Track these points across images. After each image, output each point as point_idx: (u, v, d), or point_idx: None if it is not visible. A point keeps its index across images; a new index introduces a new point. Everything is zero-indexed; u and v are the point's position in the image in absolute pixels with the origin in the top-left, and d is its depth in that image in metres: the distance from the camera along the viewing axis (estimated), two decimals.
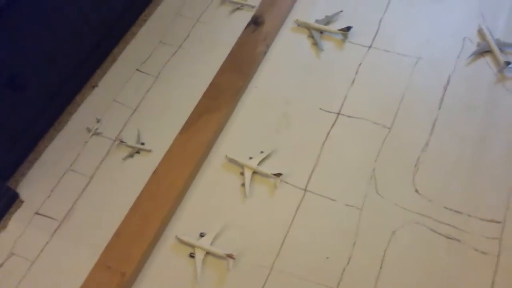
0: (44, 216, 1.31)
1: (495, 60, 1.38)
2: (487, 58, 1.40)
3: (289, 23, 1.62)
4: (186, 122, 1.38)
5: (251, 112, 1.43)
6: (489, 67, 1.38)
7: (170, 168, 1.30)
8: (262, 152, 1.32)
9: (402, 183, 1.22)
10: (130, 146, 1.39)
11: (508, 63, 1.35)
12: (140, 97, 1.52)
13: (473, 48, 1.42)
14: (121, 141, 1.40)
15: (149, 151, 1.38)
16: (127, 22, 1.70)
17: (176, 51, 1.62)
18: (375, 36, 1.53)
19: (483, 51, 1.41)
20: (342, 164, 1.29)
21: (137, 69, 1.59)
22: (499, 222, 1.12)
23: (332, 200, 1.23)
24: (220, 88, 1.44)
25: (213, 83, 1.46)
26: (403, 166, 1.25)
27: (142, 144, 1.39)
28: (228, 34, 1.61)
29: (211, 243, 1.19)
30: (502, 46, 1.39)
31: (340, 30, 1.54)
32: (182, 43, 1.64)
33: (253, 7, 1.68)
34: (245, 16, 1.65)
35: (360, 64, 1.48)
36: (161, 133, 1.40)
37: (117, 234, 1.22)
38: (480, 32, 1.45)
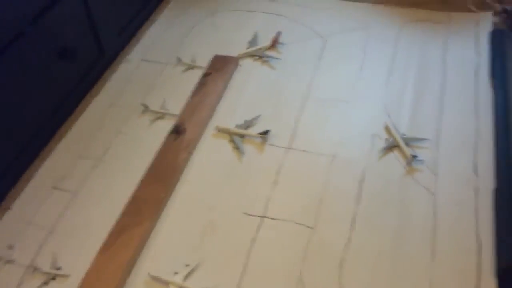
0: None
1: (403, 154, 1.52)
2: (396, 153, 1.53)
3: (210, 129, 1.71)
4: (106, 241, 1.37)
5: (174, 223, 1.44)
6: (398, 161, 1.51)
7: None
8: (187, 265, 1.32)
9: (329, 284, 1.25)
10: (45, 273, 1.33)
11: (414, 156, 1.49)
12: (57, 217, 1.49)
13: (382, 144, 1.56)
14: (35, 268, 1.34)
15: (67, 276, 1.33)
16: (44, 138, 1.71)
17: (96, 165, 1.64)
18: (292, 138, 1.64)
19: (391, 146, 1.55)
20: (270, 270, 1.30)
21: (54, 187, 1.58)
22: None
23: None
24: (141, 202, 1.45)
25: (134, 197, 1.47)
26: (328, 265, 1.29)
27: (58, 269, 1.34)
28: (150, 144, 1.66)
29: None
30: (407, 141, 1.54)
31: (259, 133, 1.64)
32: (102, 157, 1.66)
33: (174, 115, 1.76)
34: (167, 125, 1.72)
35: (280, 166, 1.56)
36: (80, 255, 1.37)
37: None
38: (387, 129, 1.60)
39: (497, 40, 1.81)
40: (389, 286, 1.23)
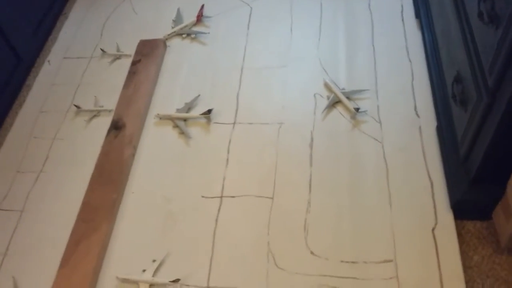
0: None
1: (346, 108, 1.56)
2: (339, 108, 1.58)
3: (151, 119, 1.68)
4: (65, 253, 1.34)
5: (133, 221, 1.43)
6: (343, 116, 1.56)
7: None
8: (154, 260, 1.32)
9: (297, 249, 1.30)
10: None
11: (357, 109, 1.54)
12: (7, 239, 1.45)
13: (324, 102, 1.60)
14: None
15: None
16: None
17: (37, 177, 1.59)
18: (236, 112, 1.65)
19: (334, 102, 1.59)
20: (238, 248, 1.33)
21: None
22: (391, 261, 1.23)
23: None
24: (93, 206, 1.43)
25: (85, 203, 1.45)
26: (294, 232, 1.33)
27: None
28: (91, 145, 1.62)
29: None
30: (348, 94, 1.59)
31: (202, 114, 1.64)
32: (42, 167, 1.61)
33: (110, 111, 1.72)
34: (104, 123, 1.68)
35: (229, 142, 1.57)
36: (41, 273, 1.34)
37: None
38: (327, 86, 1.63)
39: None
40: (354, 239, 1.29)
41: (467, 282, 1.18)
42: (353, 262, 1.25)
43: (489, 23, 1.00)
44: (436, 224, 1.28)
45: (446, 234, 1.26)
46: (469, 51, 1.15)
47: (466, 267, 1.22)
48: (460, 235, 1.27)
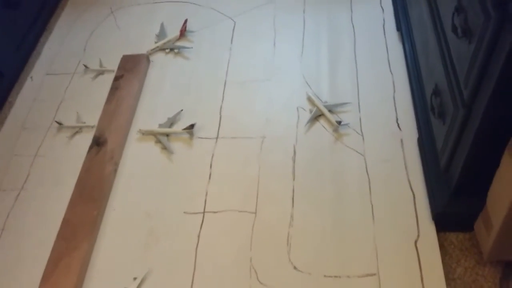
0: None
1: (328, 121, 1.57)
2: (322, 122, 1.59)
3: (133, 135, 1.68)
4: (45, 272, 1.33)
5: (114, 239, 1.42)
6: (325, 129, 1.57)
7: None
8: (135, 278, 1.31)
9: (280, 264, 1.29)
10: None
11: (339, 122, 1.55)
12: None
13: (307, 115, 1.61)
14: None
15: None
16: None
17: (18, 195, 1.57)
18: (219, 126, 1.65)
19: (316, 116, 1.60)
20: (220, 264, 1.32)
21: None
22: (374, 275, 1.23)
23: None
24: (74, 224, 1.42)
25: (66, 220, 1.43)
26: (276, 247, 1.33)
27: None
28: (72, 162, 1.61)
29: None
30: (330, 108, 1.60)
31: (184, 129, 1.64)
32: (23, 185, 1.60)
33: (92, 127, 1.72)
34: (86, 139, 1.68)
35: (212, 157, 1.57)
36: None
37: None
38: (309, 99, 1.65)
39: None
40: (337, 253, 1.29)
41: None
42: (336, 277, 1.25)
43: (462, 37, 1.02)
44: (418, 236, 1.28)
45: (429, 247, 1.26)
46: (446, 64, 1.17)
47: (449, 279, 1.22)
48: (442, 247, 1.27)
